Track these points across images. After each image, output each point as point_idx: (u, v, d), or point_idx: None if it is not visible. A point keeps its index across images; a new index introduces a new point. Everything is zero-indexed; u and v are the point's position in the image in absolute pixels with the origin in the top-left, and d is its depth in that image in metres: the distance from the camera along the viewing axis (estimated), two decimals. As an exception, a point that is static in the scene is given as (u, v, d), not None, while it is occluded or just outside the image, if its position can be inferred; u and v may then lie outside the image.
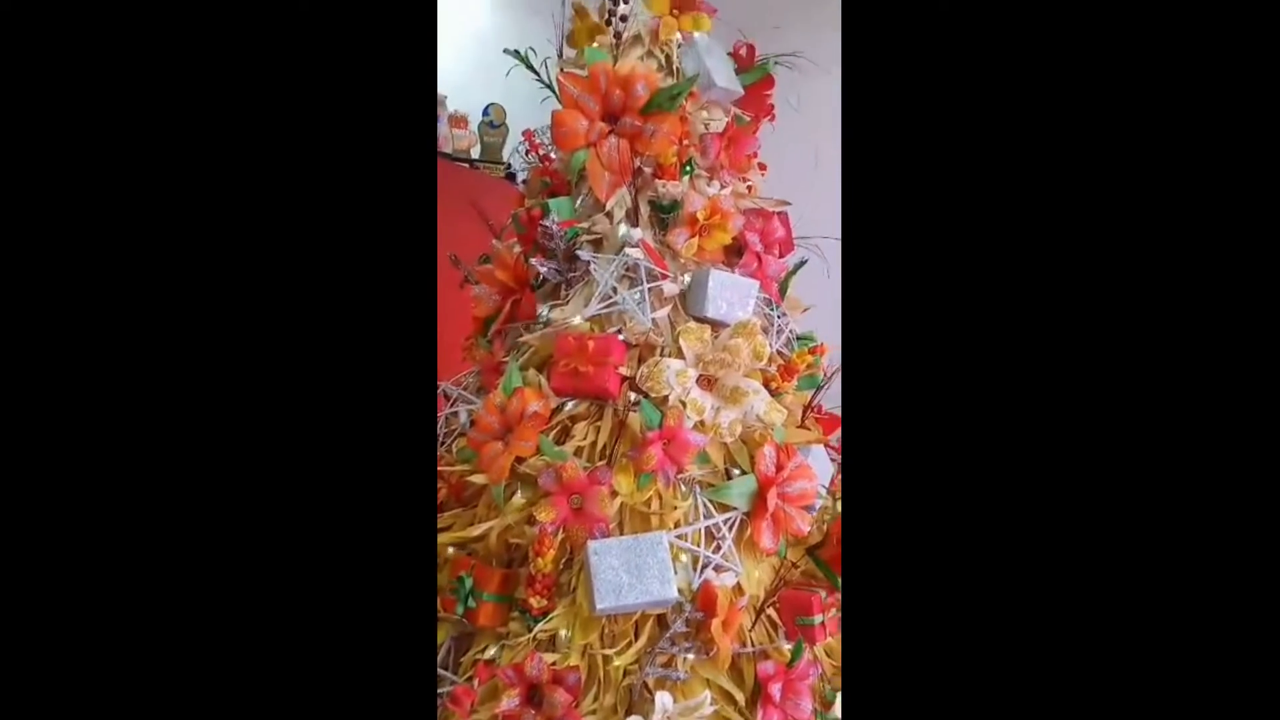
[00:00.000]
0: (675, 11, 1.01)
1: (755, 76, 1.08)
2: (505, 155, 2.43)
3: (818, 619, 0.85)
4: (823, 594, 0.87)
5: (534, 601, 0.82)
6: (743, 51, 1.09)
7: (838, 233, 1.04)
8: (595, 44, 1.00)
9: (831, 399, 1.05)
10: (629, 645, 0.82)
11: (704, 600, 0.82)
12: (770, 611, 0.88)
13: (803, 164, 1.43)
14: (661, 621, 0.83)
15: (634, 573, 0.79)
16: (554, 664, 0.80)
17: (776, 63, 1.09)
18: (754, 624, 0.87)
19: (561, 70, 0.99)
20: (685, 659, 0.82)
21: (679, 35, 1.01)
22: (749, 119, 1.07)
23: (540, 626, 0.82)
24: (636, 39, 1.00)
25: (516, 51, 1.04)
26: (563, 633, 0.82)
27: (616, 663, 0.81)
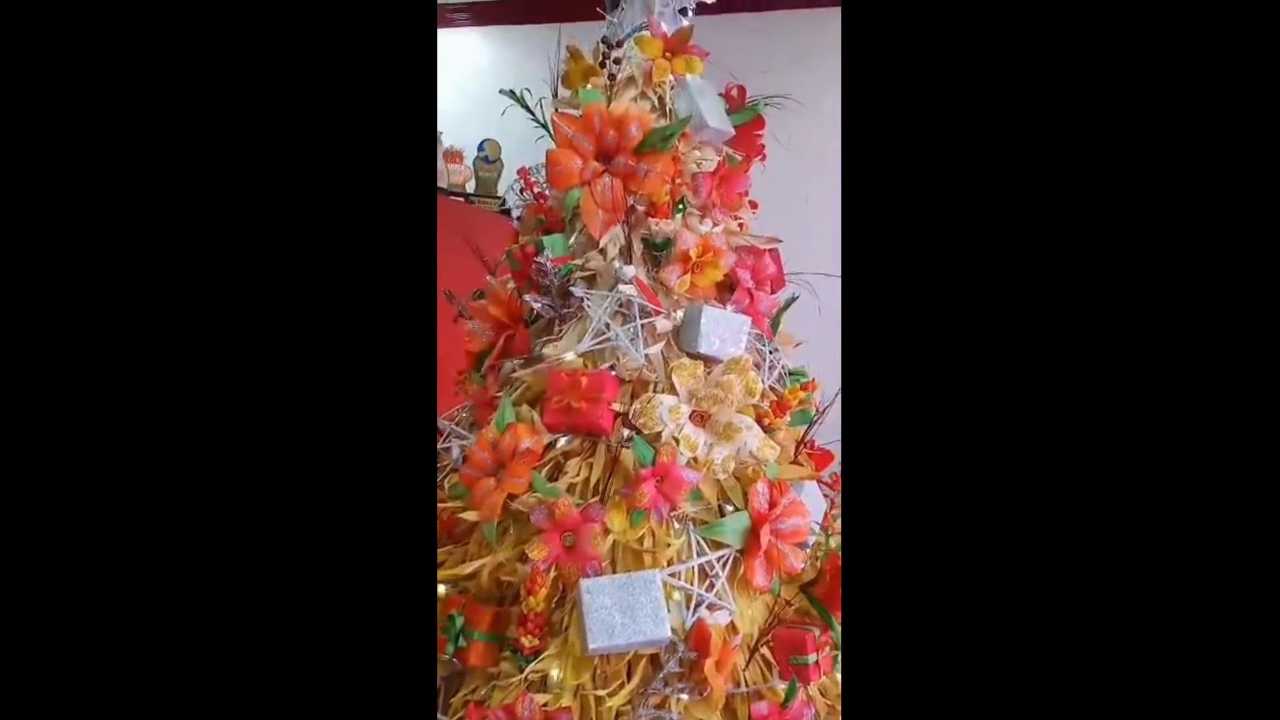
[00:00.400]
0: (668, 55, 1.03)
1: (746, 117, 1.10)
2: (500, 189, 2.46)
3: (812, 658, 0.85)
4: (817, 632, 0.86)
5: (525, 641, 0.81)
6: (734, 93, 1.12)
7: (827, 268, 1.06)
8: (590, 85, 1.02)
9: (824, 434, 1.05)
10: (622, 686, 0.81)
11: (697, 640, 0.81)
12: (764, 650, 0.88)
13: (793, 201, 1.45)
14: (655, 661, 0.82)
15: (627, 612, 0.78)
16: (546, 705, 0.79)
17: (766, 104, 1.11)
18: (748, 663, 0.86)
19: (556, 110, 1.01)
20: (679, 699, 0.81)
21: (672, 77, 1.03)
22: (740, 158, 1.09)
23: (532, 666, 0.81)
24: (630, 81, 1.03)
25: (512, 92, 1.06)
26: (554, 673, 0.81)
27: (609, 704, 0.80)
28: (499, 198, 2.43)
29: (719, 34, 1.13)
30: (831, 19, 2.41)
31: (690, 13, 1.10)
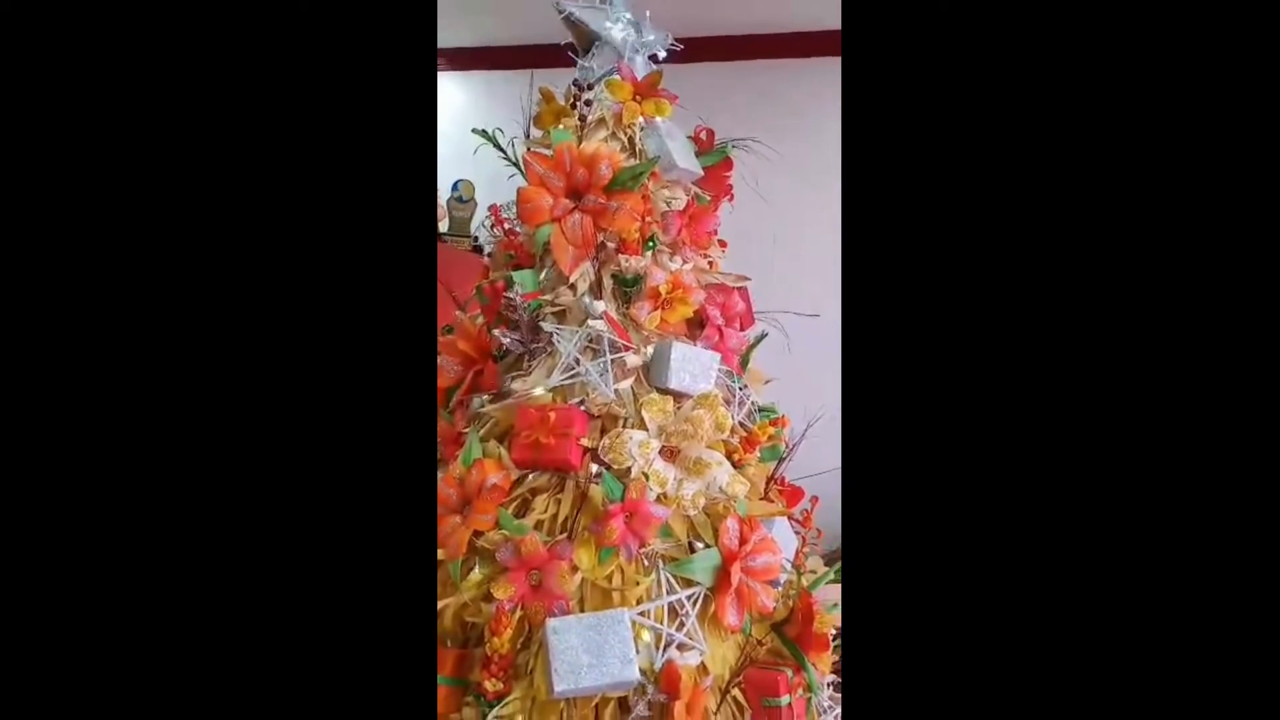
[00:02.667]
0: (638, 98, 1.06)
1: (715, 159, 1.13)
2: (473, 229, 2.46)
3: (784, 700, 0.83)
4: (789, 673, 0.85)
5: (489, 684, 0.79)
6: (703, 135, 1.14)
7: (794, 307, 1.07)
8: (561, 126, 1.04)
9: (793, 470, 1.05)
10: (589, 731, 0.79)
11: (667, 681, 0.79)
12: (736, 692, 0.86)
13: (761, 241, 1.48)
14: (623, 704, 0.80)
15: (594, 653, 0.76)
16: (509, 753, 0.76)
17: (734, 146, 1.14)
18: (719, 706, 0.84)
19: (528, 149, 1.02)
20: (648, 745, 0.78)
21: (641, 120, 1.05)
22: (709, 198, 1.11)
23: (496, 711, 0.78)
24: (601, 122, 1.05)
25: (484, 131, 1.07)
26: (519, 718, 0.78)
27: (576, 750, 0.78)
28: (472, 236, 2.43)
29: (687, 79, 1.16)
30: (803, 69, 2.50)
31: (659, 58, 1.13)
